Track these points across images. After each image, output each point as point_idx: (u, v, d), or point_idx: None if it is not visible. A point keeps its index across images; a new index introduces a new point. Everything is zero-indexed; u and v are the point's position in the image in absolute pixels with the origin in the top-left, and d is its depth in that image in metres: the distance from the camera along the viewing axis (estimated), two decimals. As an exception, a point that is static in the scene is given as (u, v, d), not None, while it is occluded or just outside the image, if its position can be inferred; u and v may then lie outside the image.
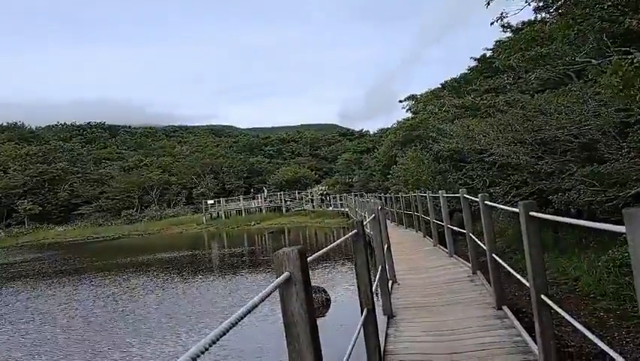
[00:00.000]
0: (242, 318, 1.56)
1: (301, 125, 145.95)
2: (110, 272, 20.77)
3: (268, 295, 1.88)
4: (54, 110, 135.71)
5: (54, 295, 16.01)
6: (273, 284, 2.02)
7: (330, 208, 39.82)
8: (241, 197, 52.26)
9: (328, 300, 10.36)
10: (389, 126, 51.42)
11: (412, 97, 36.93)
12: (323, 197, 44.86)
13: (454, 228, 9.66)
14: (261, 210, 48.23)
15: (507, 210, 5.76)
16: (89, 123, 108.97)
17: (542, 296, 3.50)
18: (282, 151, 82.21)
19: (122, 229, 50.86)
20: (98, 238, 47.71)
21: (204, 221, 47.27)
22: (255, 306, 1.72)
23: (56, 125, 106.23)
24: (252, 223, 41.82)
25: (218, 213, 49.15)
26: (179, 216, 53.32)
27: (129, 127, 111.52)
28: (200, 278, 16.95)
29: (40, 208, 58.36)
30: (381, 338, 4.62)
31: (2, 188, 58.13)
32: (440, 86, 36.09)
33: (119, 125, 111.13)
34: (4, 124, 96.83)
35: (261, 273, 16.95)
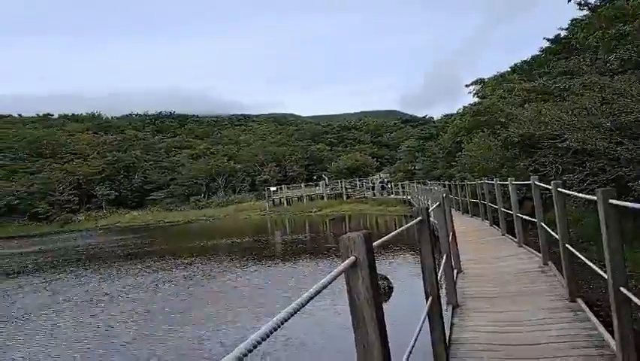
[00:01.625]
0: (310, 299, 1.59)
1: (362, 112, 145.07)
2: (182, 255, 21.78)
3: (335, 278, 1.90)
4: (129, 101, 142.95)
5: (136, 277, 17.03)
6: (339, 268, 2.04)
7: (392, 196, 39.44)
8: (302, 184, 52.89)
9: (390, 288, 10.31)
10: (453, 112, 49.99)
11: (478, 81, 35.59)
12: (384, 185, 44.49)
13: (524, 217, 9.27)
14: (322, 197, 48.62)
15: (583, 198, 5.46)
16: (160, 113, 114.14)
17: (622, 289, 3.30)
18: (343, 139, 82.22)
19: (190, 214, 53.10)
20: (168, 222, 50.11)
21: (267, 207, 48.34)
22: (324, 287, 1.75)
23: (131, 115, 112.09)
24: (313, 210, 42.26)
25: (280, 199, 50.08)
26: (244, 203, 54.85)
27: (197, 116, 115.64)
28: (265, 263, 17.40)
29: (116, 193, 62.17)
30: (446, 327, 4.55)
31: (83, 174, 62.31)
32: (509, 69, 34.52)
33: (187, 115, 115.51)
34: (84, 114, 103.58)
35: (322, 259, 17.13)
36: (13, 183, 59.45)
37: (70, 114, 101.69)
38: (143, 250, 25.22)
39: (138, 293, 13.65)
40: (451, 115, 48.74)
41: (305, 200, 48.60)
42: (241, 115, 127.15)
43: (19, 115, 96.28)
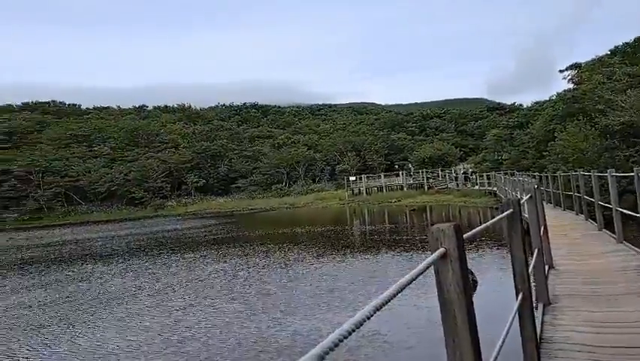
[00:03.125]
0: (398, 292, 1.58)
1: (445, 100, 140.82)
2: (264, 242, 22.53)
3: (424, 270, 1.87)
4: (216, 92, 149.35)
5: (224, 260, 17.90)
6: (428, 260, 2.01)
7: (476, 187, 38.04)
8: (382, 174, 52.49)
9: (475, 281, 9.99)
10: (546, 99, 47.03)
11: (574, 66, 33.19)
12: (468, 175, 43.00)
13: (625, 211, 8.56)
14: (402, 187, 47.99)
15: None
16: (244, 104, 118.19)
17: None
18: (424, 127, 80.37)
19: (272, 202, 54.71)
20: (251, 209, 52.00)
21: (346, 197, 48.57)
22: (412, 280, 1.73)
23: (217, 106, 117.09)
24: (393, 200, 41.84)
25: (359, 189, 50.10)
26: (323, 192, 55.53)
27: (279, 107, 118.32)
28: (344, 253, 17.54)
29: (204, 181, 65.48)
30: (537, 326, 4.34)
31: (174, 163, 66.22)
32: (609, 52, 31.83)
33: (270, 105, 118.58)
34: (175, 106, 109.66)
35: (402, 251, 16.95)
36: (113, 170, 64.50)
37: (162, 106, 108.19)
38: (227, 236, 26.40)
39: (220, 279, 14.30)
40: (543, 102, 45.90)
41: (384, 190, 48.25)
42: (322, 105, 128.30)
43: (118, 107, 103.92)
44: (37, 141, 72.36)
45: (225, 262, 17.11)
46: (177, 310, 10.83)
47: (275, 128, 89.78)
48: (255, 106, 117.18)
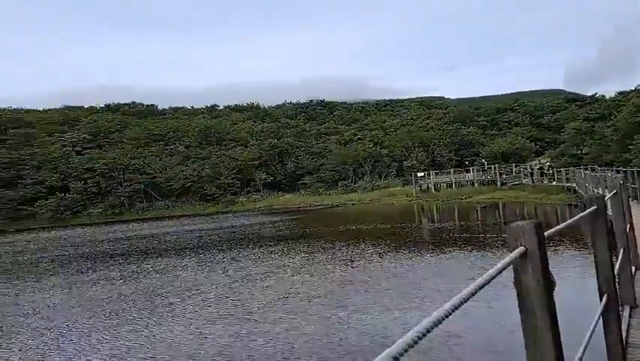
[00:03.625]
0: (476, 292, 1.53)
1: (518, 92, 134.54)
2: (329, 238, 22.67)
3: (502, 269, 1.80)
4: (283, 90, 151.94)
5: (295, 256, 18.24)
6: (507, 258, 1.93)
7: (553, 183, 36.10)
8: (452, 170, 51.14)
9: (552, 282, 9.50)
10: (631, 88, 43.79)
11: (664, 51, 30.51)
12: (544, 171, 40.89)
13: None
14: (472, 183, 46.50)
15: None
16: (311, 101, 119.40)
17: None
18: (496, 121, 77.34)
19: (338, 198, 54.94)
20: (318, 205, 52.51)
21: (414, 193, 47.80)
22: (491, 279, 1.67)
23: (284, 103, 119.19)
24: (463, 197, 40.67)
25: (427, 185, 49.13)
26: (390, 188, 54.98)
27: (345, 103, 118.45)
28: (412, 251, 17.27)
29: (271, 178, 66.95)
30: (623, 329, 4.06)
31: (243, 160, 68.21)
32: None
33: (336, 102, 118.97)
34: (245, 105, 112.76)
35: (473, 249, 16.43)
36: (187, 167, 67.48)
37: (233, 105, 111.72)
38: (293, 232, 26.83)
39: (285, 274, 14.54)
40: (628, 92, 42.77)
41: (454, 186, 46.99)
42: (388, 100, 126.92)
43: (192, 107, 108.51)
44: (119, 140, 77.13)
45: (291, 257, 17.41)
46: (244, 303, 11.16)
47: (341, 125, 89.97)
48: (321, 103, 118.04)
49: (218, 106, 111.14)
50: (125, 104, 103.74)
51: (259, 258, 17.85)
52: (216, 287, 13.21)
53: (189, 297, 12.27)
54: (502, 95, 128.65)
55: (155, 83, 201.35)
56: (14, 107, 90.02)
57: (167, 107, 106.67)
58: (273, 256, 18.10)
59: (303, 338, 8.34)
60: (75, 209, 63.08)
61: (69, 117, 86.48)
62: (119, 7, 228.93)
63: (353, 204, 50.09)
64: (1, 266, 22.49)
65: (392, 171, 63.54)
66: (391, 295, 10.73)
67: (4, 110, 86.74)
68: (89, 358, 8.39)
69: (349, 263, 15.29)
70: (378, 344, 7.53)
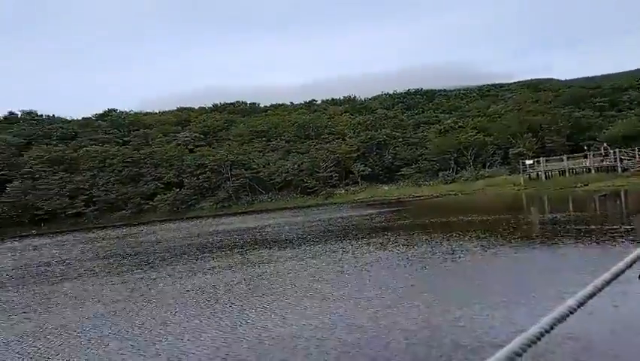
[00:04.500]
0: (605, 287, 1.24)
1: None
2: (430, 230, 21.98)
3: (633, 262, 1.47)
4: (380, 81, 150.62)
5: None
6: (635, 252, 1.59)
7: (688, 168, 31.86)
8: (564, 156, 47.23)
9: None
10: None
11: None
12: (677, 154, 36.25)
13: None
14: (589, 170, 42.58)
15: None
16: (408, 90, 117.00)
17: None
18: (616, 102, 70.03)
19: (438, 189, 53.33)
20: (417, 196, 51.37)
21: (522, 182, 44.93)
22: (618, 274, 1.36)
23: (381, 95, 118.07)
24: (579, 185, 37.41)
25: (537, 173, 45.88)
26: (495, 177, 52.22)
27: (445, 90, 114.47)
28: (522, 244, 16.16)
29: (370, 170, 66.76)
30: None
31: (342, 153, 68.75)
32: None
33: (435, 90, 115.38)
34: (342, 98, 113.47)
35: (592, 243, 14.95)
36: (288, 162, 69.56)
37: (330, 99, 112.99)
38: (391, 224, 26.41)
39: (382, 268, 14.26)
40: None
41: (567, 173, 43.39)
42: (491, 85, 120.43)
43: (291, 103, 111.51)
44: (226, 138, 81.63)
45: (389, 250, 17.11)
46: (341, 297, 11.11)
47: (441, 113, 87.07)
48: (419, 92, 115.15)
49: (316, 101, 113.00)
50: (231, 103, 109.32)
51: (357, 250, 17.78)
52: (317, 280, 13.36)
53: (291, 288, 12.52)
54: (622, 72, 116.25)
55: (256, 81, 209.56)
56: (135, 110, 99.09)
57: (268, 105, 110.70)
58: (370, 248, 17.94)
59: (403, 334, 8.08)
60: (189, 203, 67.92)
61: (182, 118, 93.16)
62: (223, 11, 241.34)
63: (455, 194, 48.31)
64: (135, 258, 24.76)
65: (497, 160, 60.25)
66: (498, 291, 10.06)
67: (127, 113, 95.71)
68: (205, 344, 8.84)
69: (451, 256, 14.66)
70: (487, 343, 7.05)
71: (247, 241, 25.15)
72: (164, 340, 9.40)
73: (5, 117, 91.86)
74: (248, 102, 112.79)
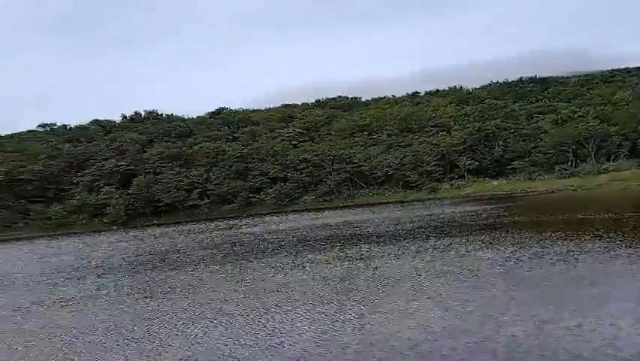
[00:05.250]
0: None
1: None
2: (545, 228, 20.28)
3: None
4: (488, 70, 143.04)
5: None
6: None
7: None
8: None
9: None
10: None
11: None
12: None
13: None
14: None
15: None
16: (520, 79, 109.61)
17: None
18: None
19: (554, 184, 49.32)
20: (531, 191, 47.95)
21: (655, 177, 39.92)
22: None
23: (490, 84, 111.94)
24: None
25: (674, 167, 40.48)
26: (621, 171, 47.07)
27: (562, 78, 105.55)
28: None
29: (477, 163, 63.58)
30: None
31: (446, 146, 66.28)
32: None
33: (551, 77, 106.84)
34: (447, 89, 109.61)
35: None
36: (389, 156, 68.61)
37: (434, 90, 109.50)
38: (501, 221, 24.79)
39: (495, 269, 13.33)
40: None
41: None
42: (616, 70, 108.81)
43: (393, 95, 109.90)
44: (328, 132, 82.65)
45: (497, 249, 16.01)
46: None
47: (557, 102, 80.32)
48: (532, 80, 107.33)
49: (419, 92, 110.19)
50: (332, 98, 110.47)
51: (461, 248, 16.89)
52: (417, 277, 12.89)
53: (391, 286, 12.19)
54: None
55: (358, 75, 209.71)
56: (244, 108, 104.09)
57: (369, 98, 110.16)
58: (476, 246, 16.93)
59: (511, 342, 7.41)
60: (293, 196, 69.92)
61: (286, 114, 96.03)
62: (324, 6, 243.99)
63: (573, 190, 44.36)
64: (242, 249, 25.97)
65: (623, 152, 54.23)
66: (624, 298, 8.88)
67: (236, 111, 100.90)
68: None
69: (566, 258, 13.32)
70: (611, 357, 6.20)
71: (347, 236, 25.13)
72: (263, 329, 9.60)
73: (131, 117, 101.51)
74: (349, 97, 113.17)
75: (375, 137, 77.65)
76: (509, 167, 61.80)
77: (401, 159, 66.57)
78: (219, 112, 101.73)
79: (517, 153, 62.28)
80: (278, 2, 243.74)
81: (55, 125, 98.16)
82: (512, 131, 66.74)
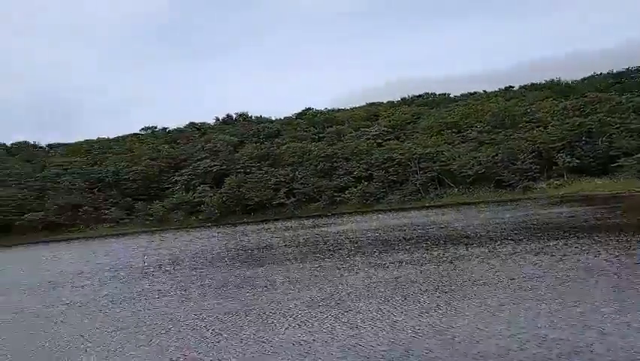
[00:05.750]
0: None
1: None
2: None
3: None
4: (590, 61, 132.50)
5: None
6: None
7: None
8: None
9: None
10: None
11: None
12: None
13: None
14: None
15: None
16: (627, 69, 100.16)
17: None
18: None
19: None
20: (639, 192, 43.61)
21: None
22: None
23: (592, 76, 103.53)
24: None
25: None
26: None
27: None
28: None
29: (577, 161, 58.98)
30: None
31: (543, 142, 62.21)
32: None
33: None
34: (543, 82, 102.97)
35: None
36: (480, 154, 65.68)
37: (529, 84, 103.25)
38: (604, 223, 22.72)
39: (595, 274, 12.19)
40: None
41: None
42: None
43: (484, 91, 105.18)
44: (414, 131, 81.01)
45: (599, 255, 14.64)
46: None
47: (672, 93, 72.35)
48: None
49: (513, 87, 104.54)
50: (419, 95, 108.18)
51: (556, 253, 15.66)
52: (502, 283, 12.14)
53: (482, 288, 11.59)
54: None
55: (446, 71, 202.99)
56: (329, 108, 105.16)
57: (459, 94, 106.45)
58: (572, 250, 15.61)
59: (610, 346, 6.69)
60: (378, 196, 69.36)
61: (371, 113, 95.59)
62: (408, 3, 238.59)
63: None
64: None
65: None
66: None
67: (321, 111, 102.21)
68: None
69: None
70: None
71: (433, 237, 24.38)
72: (352, 328, 9.52)
73: (223, 120, 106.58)
74: (437, 93, 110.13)
75: (464, 134, 74.85)
76: (614, 165, 56.65)
77: (493, 157, 63.53)
78: (305, 112, 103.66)
79: (623, 150, 56.94)
80: (360, 1, 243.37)
81: (156, 128, 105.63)
82: (617, 126, 61.13)
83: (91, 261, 29.81)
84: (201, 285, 16.21)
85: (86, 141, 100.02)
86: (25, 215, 70.02)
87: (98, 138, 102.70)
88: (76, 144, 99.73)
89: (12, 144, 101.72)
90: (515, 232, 22.81)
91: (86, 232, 69.32)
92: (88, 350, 10.28)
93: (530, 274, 12.72)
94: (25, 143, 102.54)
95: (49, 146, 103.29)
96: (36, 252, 44.13)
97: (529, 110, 76.66)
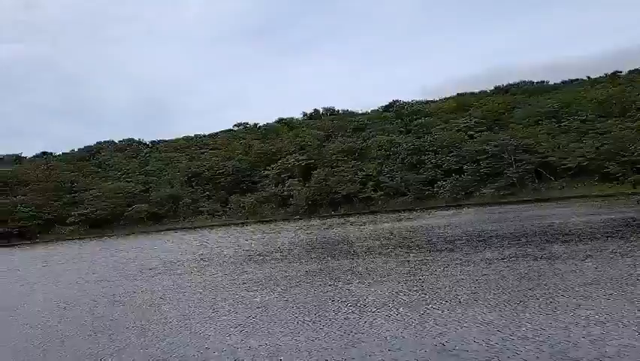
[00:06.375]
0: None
1: None
2: None
3: None
4: None
5: None
6: None
7: None
8: None
9: None
10: None
11: None
12: None
13: None
14: None
15: None
16: None
17: None
18: None
19: None
20: None
21: None
22: None
23: None
24: None
25: None
26: None
27: None
28: None
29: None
30: None
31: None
32: None
33: None
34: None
35: None
36: (583, 144, 60.85)
37: (638, 69, 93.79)
38: None
39: None
40: None
41: None
42: None
43: (588, 77, 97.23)
44: (508, 121, 76.83)
45: None
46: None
47: None
48: None
49: (621, 72, 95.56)
50: (514, 84, 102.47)
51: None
52: (611, 282, 11.18)
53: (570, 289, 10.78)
54: None
55: (544, 57, 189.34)
56: (417, 100, 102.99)
57: (558, 82, 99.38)
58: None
59: None
60: (469, 189, 66.81)
61: (461, 104, 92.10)
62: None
63: None
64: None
65: None
66: None
67: (409, 103, 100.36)
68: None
69: None
70: None
71: (525, 233, 23.01)
72: (435, 327, 9.33)
73: (311, 115, 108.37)
74: (534, 81, 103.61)
75: (565, 123, 69.82)
76: None
77: (597, 148, 58.68)
78: (392, 105, 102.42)
79: None
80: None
81: (247, 124, 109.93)
82: None
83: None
84: (299, 275, 16.59)
85: (184, 138, 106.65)
86: (132, 207, 76.43)
87: (195, 134, 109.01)
88: (175, 140, 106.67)
89: (119, 142, 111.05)
90: (621, 228, 20.88)
91: (185, 222, 74.07)
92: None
93: (637, 275, 11.58)
94: (131, 140, 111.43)
95: (152, 142, 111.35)
96: (155, 239, 48.07)
97: (639, 97, 69.83)
